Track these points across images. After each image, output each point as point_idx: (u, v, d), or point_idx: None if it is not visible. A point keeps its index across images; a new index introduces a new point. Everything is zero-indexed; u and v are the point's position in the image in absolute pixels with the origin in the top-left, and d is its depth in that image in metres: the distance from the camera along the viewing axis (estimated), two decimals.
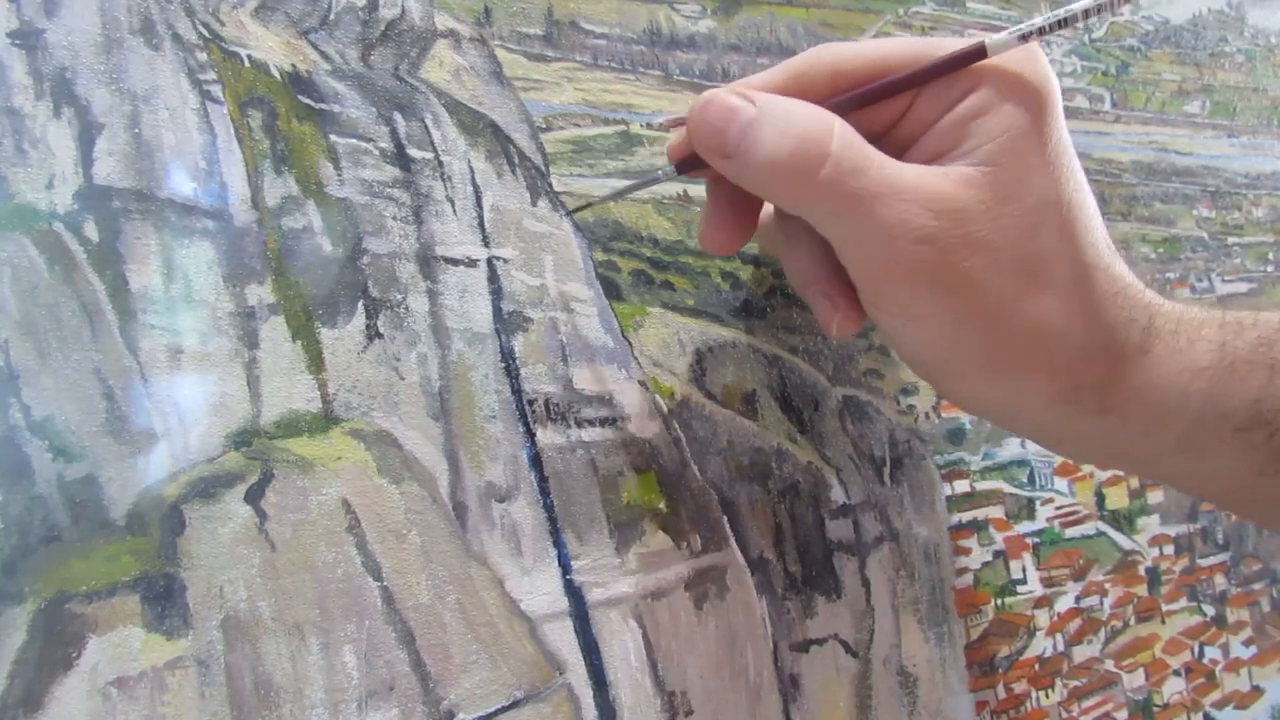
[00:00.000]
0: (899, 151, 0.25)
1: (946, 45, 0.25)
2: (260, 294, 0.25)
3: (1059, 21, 0.24)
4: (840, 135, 0.23)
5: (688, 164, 0.27)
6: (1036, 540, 0.38)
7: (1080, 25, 0.26)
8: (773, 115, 0.24)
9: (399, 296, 0.27)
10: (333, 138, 0.27)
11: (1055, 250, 0.24)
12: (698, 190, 0.33)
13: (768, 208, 0.29)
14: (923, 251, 0.23)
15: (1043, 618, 0.38)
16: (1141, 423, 0.26)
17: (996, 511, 0.37)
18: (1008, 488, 0.38)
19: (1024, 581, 0.38)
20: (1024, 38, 0.24)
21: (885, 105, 0.25)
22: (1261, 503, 0.27)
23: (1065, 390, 0.25)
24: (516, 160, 0.30)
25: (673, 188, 0.33)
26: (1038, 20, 0.24)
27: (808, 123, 0.23)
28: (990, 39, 0.24)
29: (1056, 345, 0.25)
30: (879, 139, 0.25)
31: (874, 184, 0.23)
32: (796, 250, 0.28)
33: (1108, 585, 0.40)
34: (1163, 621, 0.41)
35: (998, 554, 0.37)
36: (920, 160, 0.24)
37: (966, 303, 0.24)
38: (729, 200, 0.27)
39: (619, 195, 0.31)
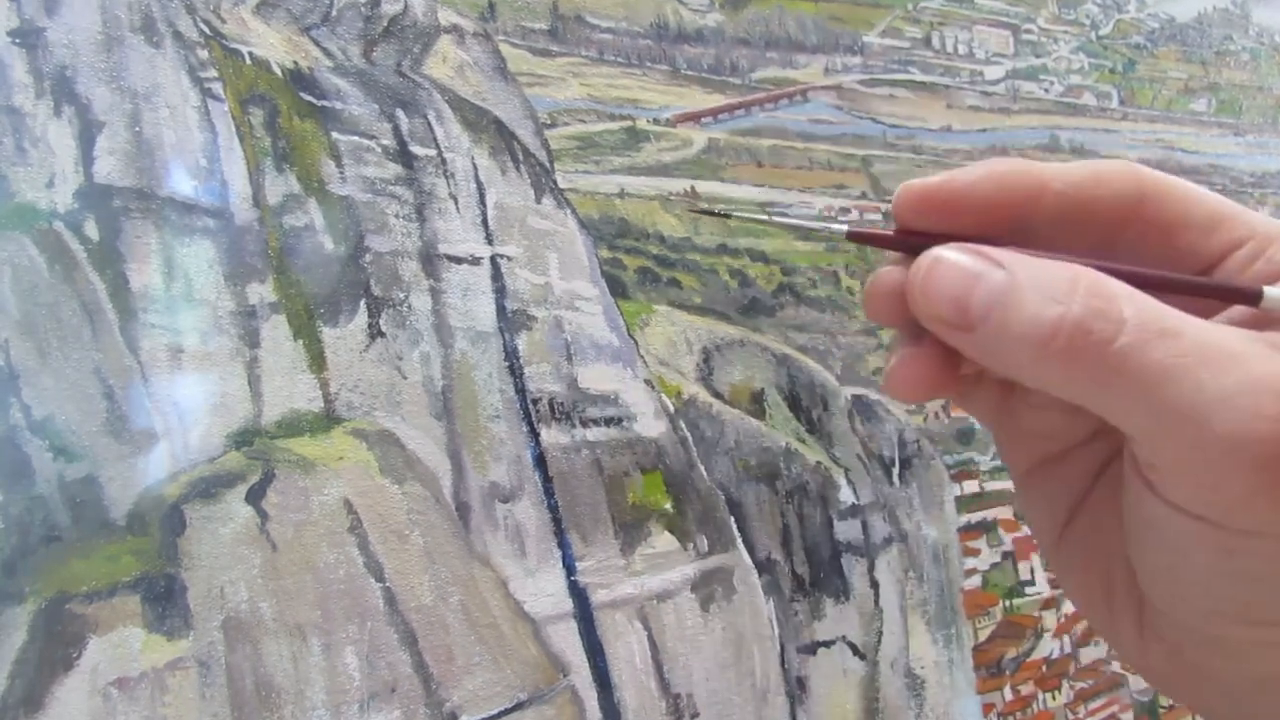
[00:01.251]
0: None
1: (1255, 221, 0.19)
2: (261, 293, 0.25)
3: None
4: (1129, 296, 0.17)
5: (870, 238, 0.21)
6: None
7: None
8: (1034, 278, 0.18)
9: (401, 295, 0.26)
10: (334, 135, 0.27)
11: None
12: (705, 187, 0.33)
13: None
14: (1268, 442, 0.16)
15: (1050, 619, 0.37)
16: None
17: (1005, 512, 0.37)
18: None
19: (1032, 583, 0.37)
20: None
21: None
22: None
23: None
24: (520, 157, 0.30)
25: (679, 184, 0.33)
26: None
27: (1089, 283, 0.18)
28: (1268, 291, 0.18)
29: None
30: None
31: (1196, 349, 0.17)
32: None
33: None
34: None
35: (1006, 555, 0.37)
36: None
37: None
38: (929, 341, 0.20)
39: (778, 224, 0.24)
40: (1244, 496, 0.17)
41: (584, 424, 0.28)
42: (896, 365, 0.21)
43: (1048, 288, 0.18)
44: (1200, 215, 0.20)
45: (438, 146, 0.28)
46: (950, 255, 0.19)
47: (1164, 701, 0.39)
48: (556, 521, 0.27)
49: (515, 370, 0.28)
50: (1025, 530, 0.38)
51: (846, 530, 0.33)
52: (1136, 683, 0.39)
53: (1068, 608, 0.38)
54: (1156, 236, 0.20)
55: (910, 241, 0.20)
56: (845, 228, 0.20)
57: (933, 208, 0.20)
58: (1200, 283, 0.19)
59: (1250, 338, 0.17)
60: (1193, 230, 0.19)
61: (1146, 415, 0.17)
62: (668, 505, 0.29)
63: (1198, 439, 0.17)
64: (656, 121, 0.33)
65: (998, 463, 0.38)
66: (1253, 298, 0.18)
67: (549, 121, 0.31)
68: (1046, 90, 0.45)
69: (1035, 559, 0.38)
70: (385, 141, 0.27)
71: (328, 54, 0.28)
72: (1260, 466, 0.17)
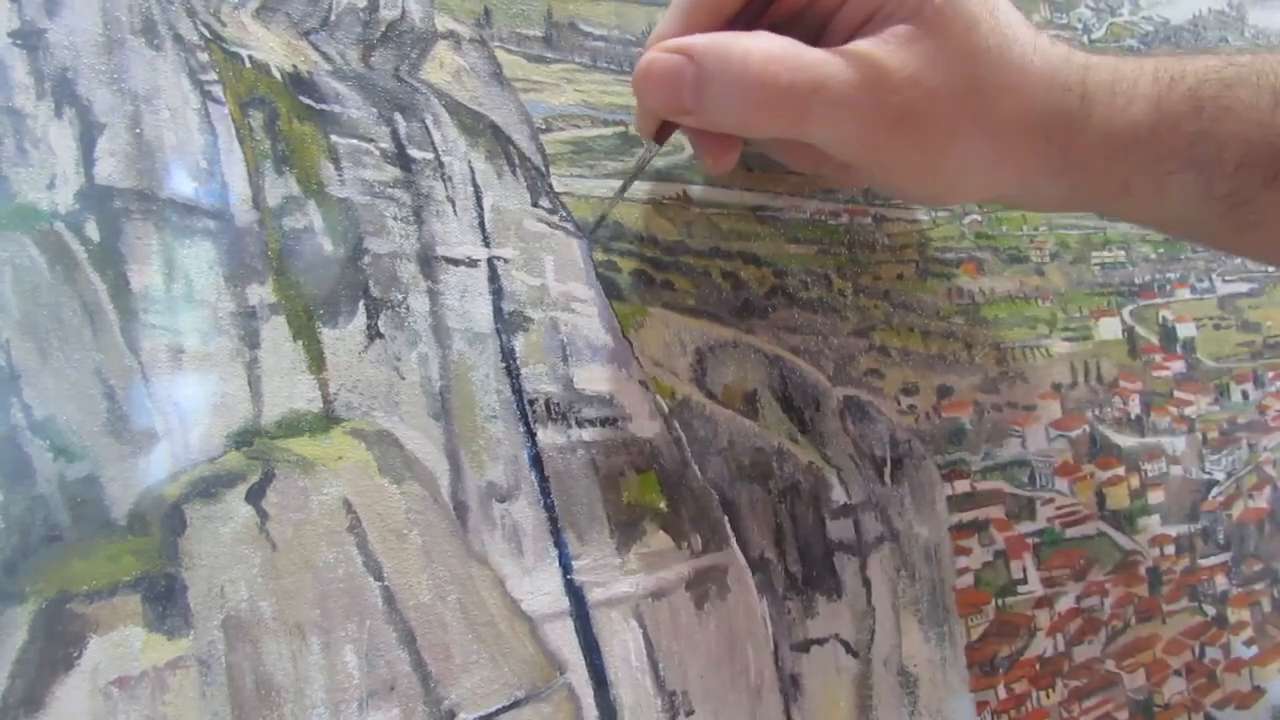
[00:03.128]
0: (815, 35, 0.27)
1: None
2: (261, 294, 0.25)
3: None
4: (786, 60, 0.26)
5: (665, 132, 0.28)
6: (1037, 540, 0.38)
7: None
8: (716, 64, 0.26)
9: (400, 296, 0.27)
10: (333, 138, 0.27)
11: (995, 63, 0.27)
12: (697, 191, 0.33)
13: None
14: (898, 125, 0.26)
15: (1043, 618, 0.38)
16: (1090, 176, 0.29)
17: (997, 511, 0.37)
18: (1008, 488, 0.38)
19: (1025, 582, 0.37)
20: None
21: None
22: (1206, 235, 0.32)
23: (1026, 162, 0.29)
24: (517, 161, 0.30)
25: (672, 188, 0.33)
26: None
27: (755, 60, 0.25)
28: None
29: (1013, 131, 0.28)
30: (795, 22, 0.28)
31: (836, 92, 0.26)
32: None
33: (1108, 585, 0.40)
34: (1163, 622, 0.41)
35: (998, 554, 0.37)
36: (844, 37, 0.27)
37: (941, 145, 0.27)
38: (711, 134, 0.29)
39: (622, 191, 0.31)
40: (890, 159, 0.28)
41: (580, 424, 0.28)
42: (698, 155, 0.30)
43: (726, 76, 0.25)
44: None
45: (435, 150, 0.29)
46: (656, 58, 0.26)
47: (1159, 701, 0.40)
48: (553, 521, 0.27)
49: (512, 371, 0.28)
50: (1017, 529, 0.38)
51: (839, 529, 0.33)
52: (1131, 682, 0.39)
53: (1061, 606, 0.38)
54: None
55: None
56: (653, 143, 0.29)
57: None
58: None
59: (847, 54, 0.26)
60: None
61: (823, 138, 0.27)
62: (662, 504, 0.29)
63: (855, 142, 0.27)
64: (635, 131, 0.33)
65: (989, 462, 0.38)
66: None
67: (544, 126, 0.31)
68: None
69: (1028, 558, 0.38)
70: (383, 145, 0.28)
71: (327, 58, 0.28)
72: (891, 134, 0.27)
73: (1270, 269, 0.50)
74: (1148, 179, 0.29)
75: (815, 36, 0.28)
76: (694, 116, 0.27)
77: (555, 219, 0.30)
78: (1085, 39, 0.47)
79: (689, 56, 0.26)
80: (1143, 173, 0.29)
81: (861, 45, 0.26)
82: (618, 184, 0.31)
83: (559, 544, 0.27)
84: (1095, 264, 0.43)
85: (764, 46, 0.26)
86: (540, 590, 0.26)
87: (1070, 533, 0.39)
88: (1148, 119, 0.28)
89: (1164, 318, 0.45)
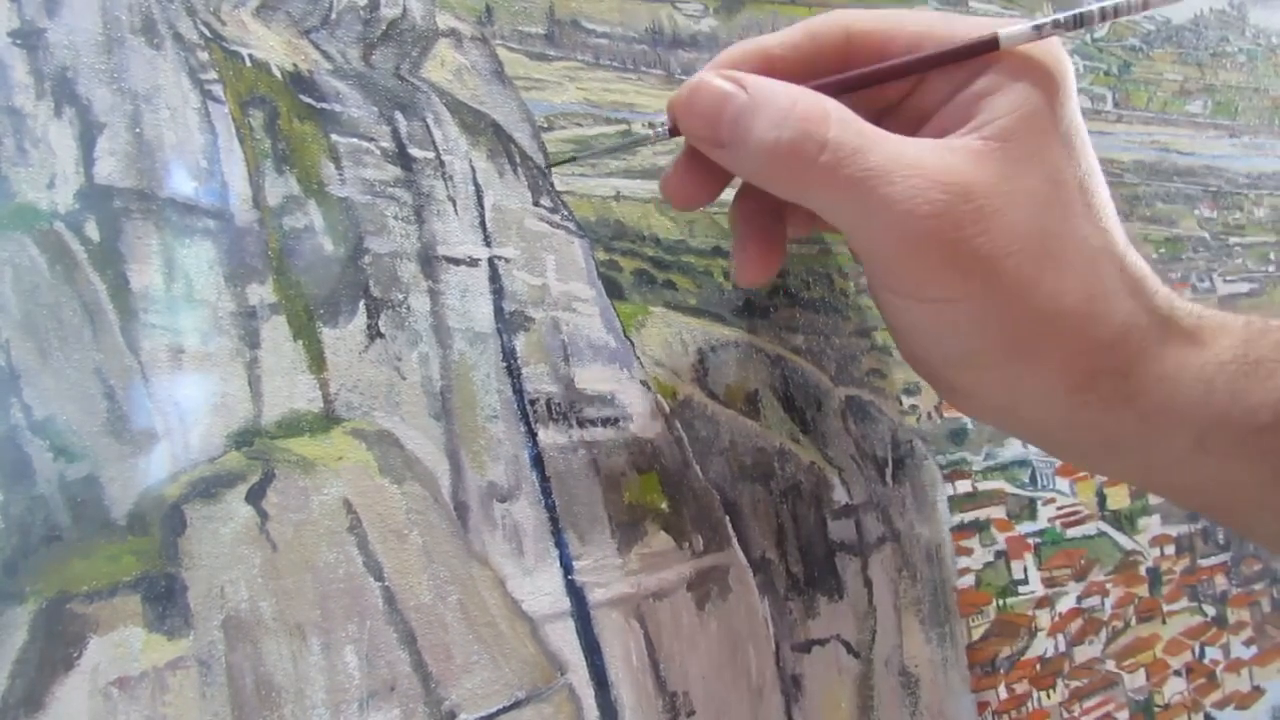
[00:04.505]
0: (906, 131, 0.24)
1: (960, 26, 0.24)
2: (261, 293, 0.25)
3: (1075, 19, 0.24)
4: (838, 118, 0.23)
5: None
6: (1038, 540, 0.38)
7: (1096, 26, 0.25)
8: (766, 101, 0.23)
9: (400, 296, 0.27)
10: (334, 137, 0.27)
11: (1071, 229, 0.24)
12: None
13: None
14: (934, 226, 0.22)
15: (1044, 618, 0.38)
16: (1159, 418, 0.25)
17: (998, 512, 0.37)
18: (1009, 488, 0.38)
19: (1025, 582, 0.38)
20: (1038, 29, 0.23)
21: (885, 86, 0.25)
22: (1270, 512, 0.26)
23: (1081, 379, 0.24)
24: (518, 159, 0.30)
25: None
26: (1055, 15, 0.24)
27: (803, 108, 0.23)
28: (1004, 31, 0.24)
29: (1074, 329, 0.24)
30: (884, 116, 0.25)
31: (878, 162, 0.22)
32: (746, 195, 0.28)
33: (1109, 585, 0.40)
34: (1164, 622, 0.41)
35: (999, 554, 0.37)
36: (929, 135, 0.24)
37: (981, 281, 0.23)
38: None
39: (609, 152, 0.30)
40: (926, 273, 0.23)
41: (581, 424, 0.28)
42: (670, 174, 0.28)
43: (775, 108, 0.23)
44: (902, 40, 0.25)
45: (436, 149, 0.29)
46: (708, 78, 0.24)
47: (1159, 701, 0.40)
48: (554, 521, 0.27)
49: (513, 371, 0.28)
50: (1018, 530, 0.38)
51: (840, 529, 0.33)
52: (1132, 682, 0.39)
53: (1061, 607, 0.38)
54: (871, 62, 0.25)
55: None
56: (664, 127, 0.27)
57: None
58: (938, 55, 0.24)
59: (928, 145, 0.23)
60: (897, 50, 0.25)
61: (848, 216, 0.23)
62: (664, 505, 0.29)
63: (885, 232, 0.23)
64: (651, 125, 0.33)
65: (991, 463, 0.38)
66: (990, 45, 0.23)
67: (546, 125, 0.31)
68: None
69: (1029, 558, 0.38)
70: (384, 144, 0.28)
71: (327, 57, 0.28)
72: (933, 247, 0.22)
73: (1270, 268, 0.50)
74: (1229, 435, 0.24)
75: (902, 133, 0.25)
76: (724, 152, 0.24)
77: (556, 218, 0.30)
78: (1088, 37, 0.47)
79: (742, 87, 0.23)
80: (1224, 426, 0.24)
81: (926, 141, 0.23)
82: (620, 183, 0.31)
83: (560, 544, 0.27)
84: None
85: (818, 99, 0.23)
86: (541, 590, 0.26)
87: (1071, 533, 0.39)
88: (1233, 359, 0.24)
89: None
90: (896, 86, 0.25)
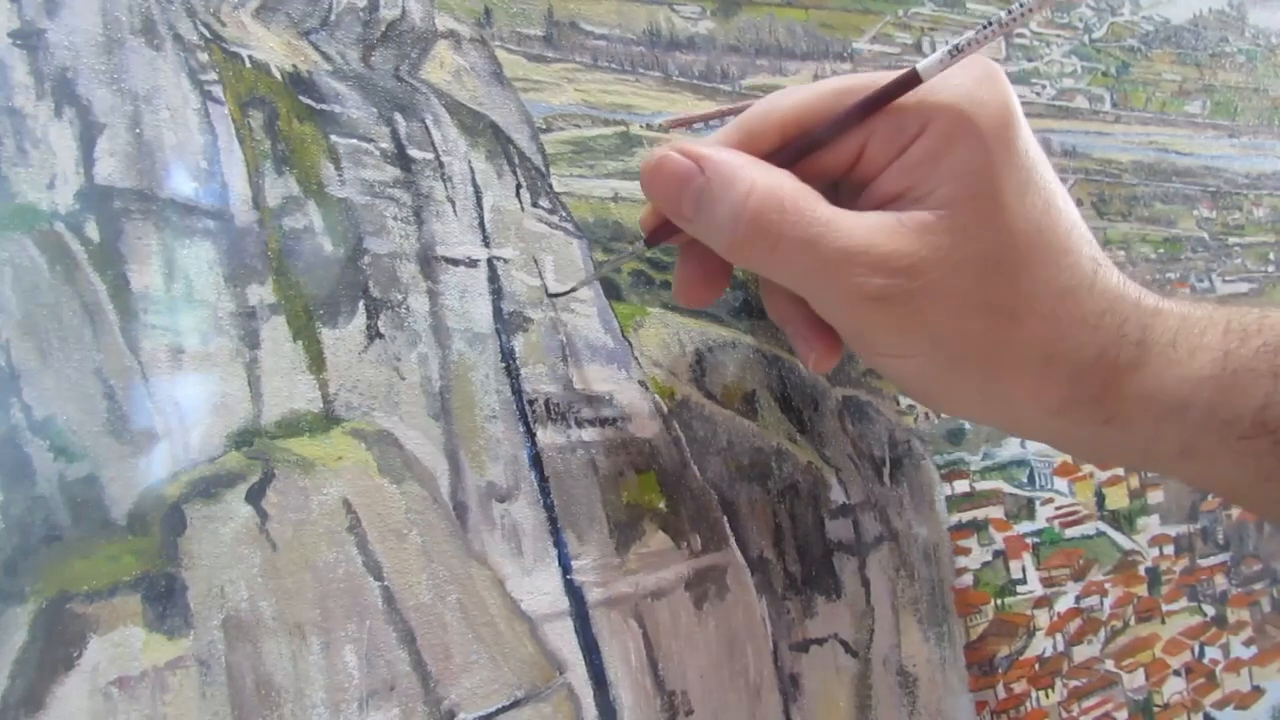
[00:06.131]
0: (857, 193, 0.25)
1: (884, 78, 0.24)
2: (261, 294, 0.25)
3: (986, 31, 0.22)
4: (790, 206, 0.23)
5: (659, 235, 0.27)
6: (1036, 540, 0.38)
7: (1013, 29, 0.24)
8: (722, 186, 0.24)
9: (400, 296, 0.27)
10: (333, 138, 0.27)
11: (1028, 281, 0.24)
12: None
13: None
14: (880, 306, 0.24)
15: (1042, 618, 0.38)
16: (1141, 433, 0.26)
17: (996, 511, 0.37)
18: (1007, 488, 0.38)
19: (1024, 581, 0.38)
20: (954, 53, 0.23)
21: (837, 150, 0.25)
22: (1269, 503, 0.27)
23: (1054, 406, 0.25)
24: (517, 161, 0.30)
25: None
26: (968, 34, 0.23)
27: (756, 200, 0.23)
28: (921, 63, 0.23)
29: (1036, 370, 0.25)
30: (836, 183, 0.25)
31: (826, 254, 0.23)
32: (771, 293, 0.29)
33: (1108, 585, 0.40)
34: (1163, 621, 0.41)
35: (997, 554, 0.37)
36: (877, 203, 0.24)
37: (934, 342, 0.24)
38: (700, 260, 0.27)
39: (598, 274, 0.30)
40: (878, 339, 0.25)
41: (579, 424, 0.29)
42: (676, 278, 0.29)
43: (728, 202, 0.24)
44: (830, 105, 0.25)
45: (435, 150, 0.29)
46: (668, 160, 0.25)
47: (1158, 701, 0.40)
48: (552, 521, 0.27)
49: (512, 371, 0.28)
50: (1016, 529, 0.38)
51: (838, 529, 0.33)
52: (1131, 681, 0.39)
53: (1060, 606, 0.38)
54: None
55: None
56: (642, 244, 0.28)
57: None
58: (863, 102, 0.24)
59: (876, 224, 0.24)
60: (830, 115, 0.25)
61: (804, 292, 0.25)
62: (662, 504, 0.29)
63: (837, 310, 0.25)
64: (649, 127, 0.33)
65: (988, 463, 0.38)
66: (912, 80, 0.24)
67: (544, 126, 0.31)
68: (1038, 94, 0.45)
69: (1027, 558, 0.38)
70: (383, 145, 0.28)
71: (327, 58, 0.28)
72: (880, 323, 0.24)
73: (1270, 268, 0.50)
74: (1212, 442, 0.25)
75: (852, 199, 0.25)
76: (688, 226, 0.25)
77: (555, 219, 0.30)
78: (1086, 38, 0.47)
79: (700, 168, 0.24)
80: (1205, 435, 0.25)
81: (873, 216, 0.24)
82: (618, 184, 0.31)
83: (558, 544, 0.27)
84: None
85: (772, 183, 0.23)
86: (540, 590, 0.27)
87: (1069, 533, 0.39)
88: (1212, 375, 0.25)
89: None
90: (841, 152, 0.25)
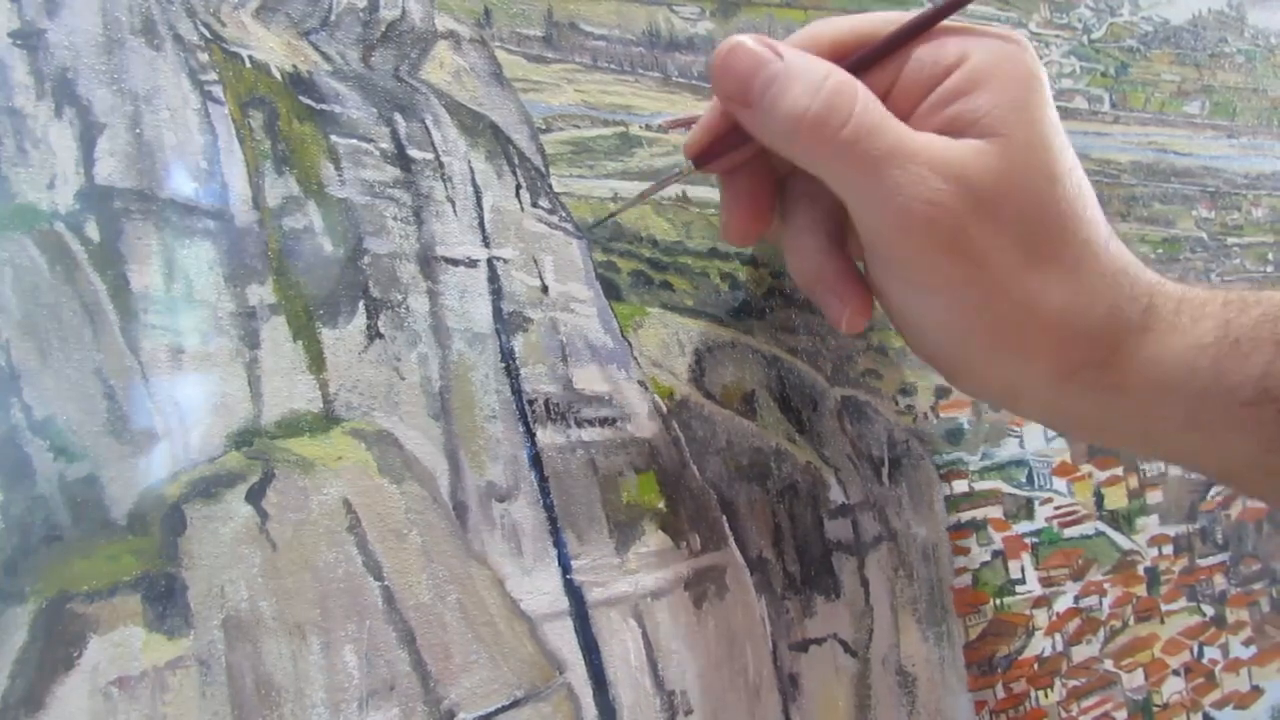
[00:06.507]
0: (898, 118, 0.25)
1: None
2: (261, 294, 0.25)
3: None
4: (863, 97, 0.24)
5: (708, 156, 0.27)
6: (1035, 540, 0.38)
7: None
8: (800, 69, 0.24)
9: (399, 297, 0.27)
10: (333, 138, 0.27)
11: (1060, 225, 0.25)
12: (696, 193, 0.33)
13: None
14: (933, 213, 0.23)
15: (1041, 617, 0.38)
16: (1145, 400, 0.26)
17: (995, 511, 0.37)
18: (1006, 488, 0.38)
19: (1023, 581, 0.38)
20: None
21: (873, 76, 0.25)
22: (1269, 478, 0.27)
23: (1066, 367, 0.26)
24: (516, 161, 0.30)
25: (672, 189, 0.33)
26: None
27: (834, 82, 0.24)
28: None
29: (1057, 320, 0.25)
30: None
31: (891, 146, 0.23)
32: (802, 246, 0.28)
33: (1107, 585, 0.40)
34: (1162, 621, 0.41)
35: (996, 554, 0.37)
36: (921, 128, 0.25)
37: (971, 270, 0.24)
38: (746, 192, 0.28)
39: (642, 199, 0.30)
40: (919, 257, 0.24)
41: (579, 424, 0.29)
42: (723, 215, 0.29)
43: (806, 80, 0.24)
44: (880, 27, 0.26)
45: (435, 150, 0.29)
46: (746, 41, 0.25)
47: (1158, 701, 0.40)
48: (552, 520, 0.27)
49: (512, 371, 0.28)
50: (1015, 529, 0.38)
51: (837, 529, 0.33)
52: (1130, 681, 0.39)
53: (1059, 606, 0.38)
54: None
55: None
56: (690, 165, 0.28)
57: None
58: (925, 16, 0.25)
59: (937, 139, 0.24)
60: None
61: (856, 192, 0.24)
62: (661, 504, 0.29)
63: (887, 212, 0.24)
64: (649, 127, 0.33)
65: (987, 463, 0.38)
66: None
67: (544, 126, 0.31)
68: None
69: (1026, 558, 0.38)
70: (383, 145, 0.28)
71: (327, 58, 0.28)
72: (929, 233, 0.23)
73: (1269, 268, 0.50)
74: (1215, 410, 0.25)
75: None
76: (751, 113, 0.25)
77: (555, 219, 0.30)
78: (1085, 39, 0.47)
79: (778, 54, 0.24)
80: (1209, 403, 0.25)
81: (930, 134, 0.24)
82: (617, 184, 0.31)
83: (558, 544, 0.27)
84: None
85: (847, 76, 0.24)
86: (539, 590, 0.27)
87: (1068, 532, 0.39)
88: (1214, 341, 0.25)
89: None
90: (877, 83, 0.25)
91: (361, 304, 0.26)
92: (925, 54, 0.25)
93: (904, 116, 0.25)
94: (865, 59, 0.25)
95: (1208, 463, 0.28)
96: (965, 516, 0.37)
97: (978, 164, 0.24)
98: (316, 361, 0.25)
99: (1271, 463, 0.26)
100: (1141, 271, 0.26)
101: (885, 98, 0.25)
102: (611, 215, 0.30)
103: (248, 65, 0.26)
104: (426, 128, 0.29)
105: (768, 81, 0.24)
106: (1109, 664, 0.39)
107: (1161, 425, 0.26)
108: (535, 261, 0.29)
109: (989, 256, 0.24)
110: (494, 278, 0.28)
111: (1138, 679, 0.39)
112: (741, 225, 0.28)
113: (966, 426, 0.37)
